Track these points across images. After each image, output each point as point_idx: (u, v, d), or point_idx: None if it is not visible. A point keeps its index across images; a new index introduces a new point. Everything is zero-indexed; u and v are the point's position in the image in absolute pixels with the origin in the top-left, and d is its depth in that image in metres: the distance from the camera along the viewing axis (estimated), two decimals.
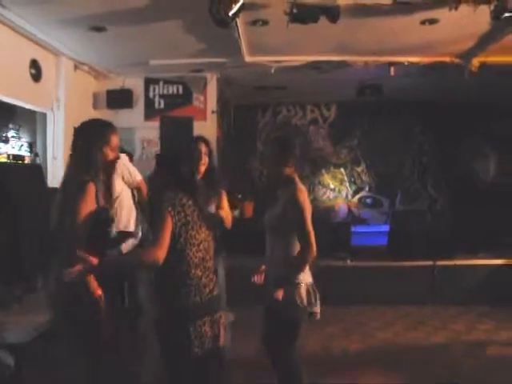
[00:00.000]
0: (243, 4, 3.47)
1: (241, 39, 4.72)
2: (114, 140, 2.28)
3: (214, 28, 3.90)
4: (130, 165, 3.23)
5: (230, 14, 3.29)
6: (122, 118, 6.29)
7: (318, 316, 2.48)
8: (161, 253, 1.98)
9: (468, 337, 4.30)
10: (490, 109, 7.45)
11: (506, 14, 3.30)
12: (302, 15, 3.75)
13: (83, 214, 2.06)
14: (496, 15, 3.40)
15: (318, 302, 2.48)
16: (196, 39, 4.83)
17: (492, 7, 3.41)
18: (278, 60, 5.53)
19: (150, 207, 2.53)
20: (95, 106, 6.33)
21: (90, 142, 2.20)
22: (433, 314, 4.78)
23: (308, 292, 2.44)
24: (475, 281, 5.03)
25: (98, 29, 4.53)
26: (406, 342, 4.15)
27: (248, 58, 5.38)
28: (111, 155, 2.26)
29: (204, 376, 2.15)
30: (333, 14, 3.76)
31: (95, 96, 6.32)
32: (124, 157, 3.08)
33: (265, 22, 4.35)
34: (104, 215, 2.21)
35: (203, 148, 3.13)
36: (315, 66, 5.75)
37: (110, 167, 2.30)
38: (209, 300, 2.13)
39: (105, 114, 6.30)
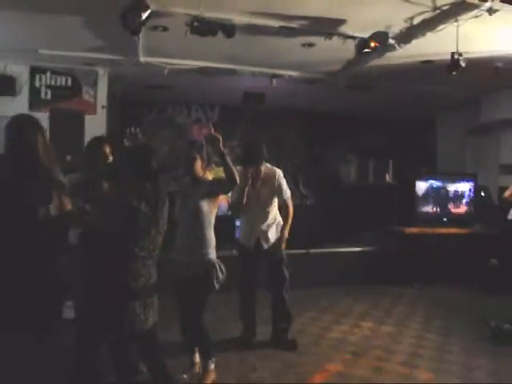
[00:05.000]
0: (151, 12, 3.77)
1: (139, 42, 4.95)
2: None
3: (114, 27, 4.10)
4: None
5: (141, 20, 3.56)
6: (4, 106, 6.03)
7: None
8: None
9: (333, 310, 5.19)
10: (355, 121, 8.65)
11: (366, 50, 4.15)
12: (201, 29, 4.15)
13: None
14: (359, 49, 4.24)
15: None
16: (93, 35, 4.92)
17: (356, 42, 4.24)
18: (171, 63, 5.83)
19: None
20: None
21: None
22: (304, 295, 5.55)
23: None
24: (339, 265, 6.01)
25: None
26: None
27: (143, 59, 5.59)
28: None
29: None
30: (229, 30, 4.23)
31: None
32: None
33: (165, 29, 4.66)
34: None
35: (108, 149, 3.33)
36: (205, 71, 6.18)
37: None
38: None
39: None
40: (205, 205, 3.18)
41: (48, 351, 2.40)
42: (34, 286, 2.34)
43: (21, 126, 2.51)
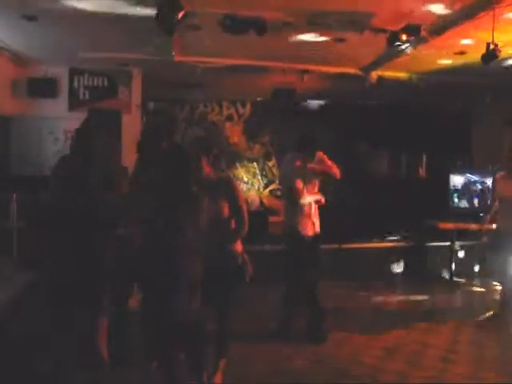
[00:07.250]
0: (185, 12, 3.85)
1: (172, 41, 5.07)
2: None
3: (148, 28, 4.23)
4: None
5: (175, 21, 3.65)
6: (45, 108, 6.31)
7: None
8: None
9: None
10: (387, 114, 8.52)
11: (397, 43, 4.14)
12: (233, 27, 4.23)
13: None
14: (390, 42, 4.23)
15: None
16: (130, 37, 5.06)
17: (388, 35, 4.23)
18: (203, 61, 5.95)
19: None
20: (14, 94, 6.21)
21: None
22: (337, 288, 5.57)
23: None
24: (371, 260, 6.01)
25: (30, 18, 4.55)
26: None
27: (177, 58, 5.72)
28: None
29: None
30: (260, 28, 4.29)
31: (14, 83, 6.20)
32: None
33: (197, 28, 4.76)
34: None
35: None
36: (237, 68, 6.26)
37: None
38: None
39: (25, 103, 6.26)
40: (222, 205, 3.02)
41: (97, 326, 2.80)
42: (88, 271, 2.76)
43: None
